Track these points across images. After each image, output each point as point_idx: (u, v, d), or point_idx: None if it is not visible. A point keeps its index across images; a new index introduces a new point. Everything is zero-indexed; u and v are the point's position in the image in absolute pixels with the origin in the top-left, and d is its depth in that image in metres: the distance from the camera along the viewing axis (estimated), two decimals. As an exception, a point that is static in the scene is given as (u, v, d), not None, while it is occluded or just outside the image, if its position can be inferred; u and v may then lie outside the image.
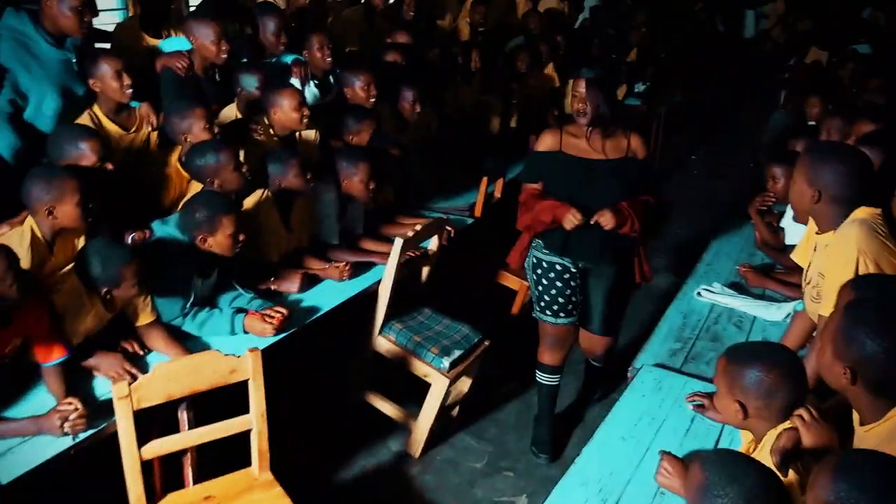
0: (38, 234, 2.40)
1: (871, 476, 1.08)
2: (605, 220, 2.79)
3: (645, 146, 3.02)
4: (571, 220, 2.79)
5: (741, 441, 1.89)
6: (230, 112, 3.44)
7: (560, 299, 3.03)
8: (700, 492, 1.33)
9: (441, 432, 3.35)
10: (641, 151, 2.99)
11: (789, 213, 3.04)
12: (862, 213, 2.07)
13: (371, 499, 3.04)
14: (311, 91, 3.86)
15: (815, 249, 2.23)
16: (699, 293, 3.04)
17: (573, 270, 3.02)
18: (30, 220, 2.40)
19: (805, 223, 2.39)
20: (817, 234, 2.20)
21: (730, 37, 10.86)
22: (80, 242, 2.53)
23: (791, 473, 1.55)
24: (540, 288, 3.08)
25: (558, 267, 3.01)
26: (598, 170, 2.89)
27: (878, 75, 3.82)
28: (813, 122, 4.70)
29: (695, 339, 2.73)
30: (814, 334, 2.35)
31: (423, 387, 3.16)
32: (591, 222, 2.80)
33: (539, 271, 3.07)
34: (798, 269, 2.85)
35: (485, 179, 3.96)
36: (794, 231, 3.09)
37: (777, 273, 3.14)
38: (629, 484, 1.98)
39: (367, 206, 3.50)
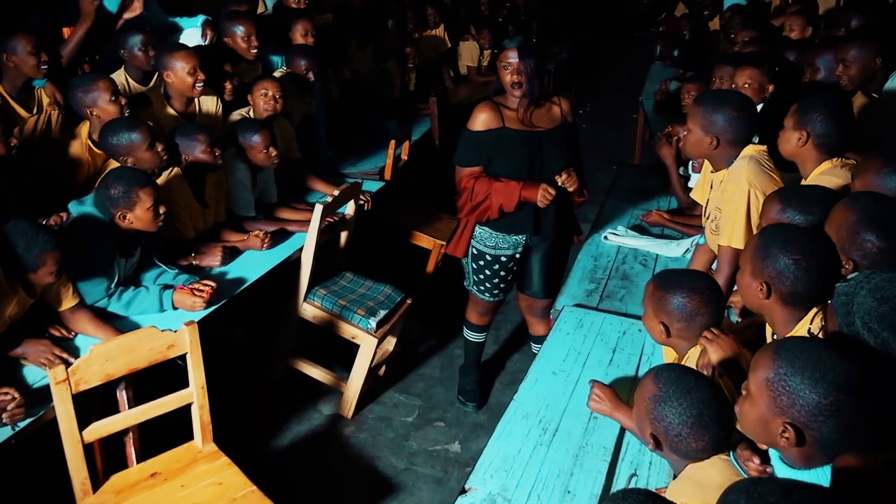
0: None
1: (803, 353, 1.25)
2: (571, 181, 2.77)
3: (571, 109, 2.98)
4: (547, 196, 2.72)
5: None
6: (118, 78, 3.32)
7: (501, 284, 3.07)
8: (653, 401, 1.49)
9: (371, 392, 3.45)
10: (570, 115, 2.96)
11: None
12: (750, 150, 2.30)
13: (309, 461, 3.11)
14: None
15: (711, 187, 2.45)
16: (606, 237, 3.24)
17: (517, 256, 2.99)
18: None
19: (699, 169, 2.61)
20: (712, 173, 2.42)
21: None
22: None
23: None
24: (480, 276, 3.06)
25: (503, 258, 2.97)
26: (545, 141, 2.82)
27: (748, 26, 4.12)
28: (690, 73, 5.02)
29: (607, 280, 2.93)
30: (713, 266, 2.58)
31: (347, 351, 3.24)
32: (560, 184, 2.77)
33: (481, 262, 3.02)
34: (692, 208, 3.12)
35: (392, 143, 4.02)
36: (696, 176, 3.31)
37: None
38: (565, 413, 2.14)
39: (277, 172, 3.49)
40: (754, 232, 2.25)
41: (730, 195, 2.28)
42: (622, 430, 2.05)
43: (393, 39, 5.35)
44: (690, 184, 3.35)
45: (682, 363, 1.86)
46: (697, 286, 1.84)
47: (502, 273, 3.02)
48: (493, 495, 1.86)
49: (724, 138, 2.28)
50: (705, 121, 2.31)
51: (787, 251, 1.64)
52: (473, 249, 3.02)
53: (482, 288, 3.10)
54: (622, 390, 2.12)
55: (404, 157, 4.26)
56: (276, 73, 3.94)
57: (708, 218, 2.44)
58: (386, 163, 4.04)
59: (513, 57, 2.74)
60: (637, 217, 3.42)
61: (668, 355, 2.03)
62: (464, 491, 1.88)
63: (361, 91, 4.81)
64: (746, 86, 2.94)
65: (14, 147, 2.55)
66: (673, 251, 3.07)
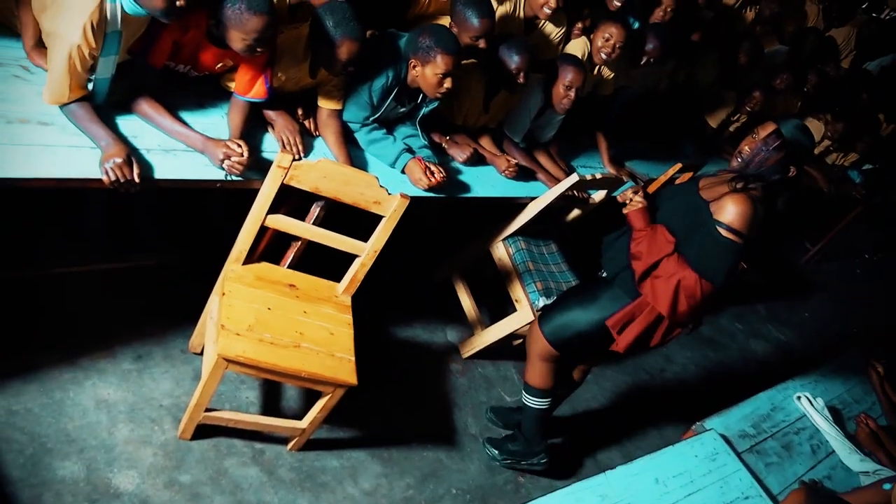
0: None
1: None
2: (632, 203, 2.55)
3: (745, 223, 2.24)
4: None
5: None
6: None
7: None
8: None
9: (494, 350, 3.42)
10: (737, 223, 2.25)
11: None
12: None
13: (407, 367, 3.18)
14: None
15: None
16: (799, 397, 2.94)
17: None
18: None
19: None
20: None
21: None
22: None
23: None
24: None
25: None
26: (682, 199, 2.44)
27: None
28: None
29: (769, 436, 2.67)
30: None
31: (501, 301, 3.21)
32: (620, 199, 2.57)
33: None
34: None
35: (678, 166, 3.80)
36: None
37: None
38: (638, 522, 2.02)
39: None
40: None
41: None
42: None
43: (749, 72, 4.96)
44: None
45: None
46: None
47: None
48: (525, 538, 1.81)
49: None
50: None
51: None
52: None
53: None
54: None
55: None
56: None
57: (915, 471, 2.12)
58: (658, 178, 3.84)
59: (765, 133, 2.32)
60: (842, 401, 3.06)
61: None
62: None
63: (687, 99, 4.56)
64: None
65: None
66: (852, 462, 2.73)
